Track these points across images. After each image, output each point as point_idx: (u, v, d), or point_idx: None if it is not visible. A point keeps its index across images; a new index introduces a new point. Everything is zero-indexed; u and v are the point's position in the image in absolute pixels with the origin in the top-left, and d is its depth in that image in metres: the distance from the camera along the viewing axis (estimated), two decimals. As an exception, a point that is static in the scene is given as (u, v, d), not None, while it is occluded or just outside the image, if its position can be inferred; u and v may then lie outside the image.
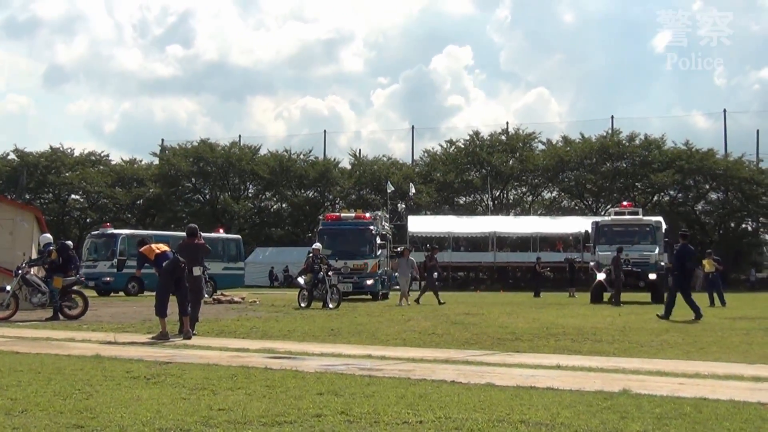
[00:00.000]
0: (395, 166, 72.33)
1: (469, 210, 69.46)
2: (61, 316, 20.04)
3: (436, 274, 29.91)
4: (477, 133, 72.54)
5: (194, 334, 14.92)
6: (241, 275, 45.81)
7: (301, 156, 73.80)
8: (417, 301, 28.60)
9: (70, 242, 22.53)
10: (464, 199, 72.80)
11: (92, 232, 43.42)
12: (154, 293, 15.52)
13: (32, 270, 21.07)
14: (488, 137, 72.21)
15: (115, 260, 38.06)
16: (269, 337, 15.07)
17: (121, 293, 38.05)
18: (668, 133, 69.28)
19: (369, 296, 33.11)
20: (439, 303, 27.76)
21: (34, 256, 22.96)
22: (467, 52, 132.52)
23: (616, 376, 9.52)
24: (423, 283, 31.48)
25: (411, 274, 29.25)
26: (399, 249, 34.33)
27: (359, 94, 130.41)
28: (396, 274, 32.48)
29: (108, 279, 37.91)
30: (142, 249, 15.97)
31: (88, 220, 72.21)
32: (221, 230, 45.94)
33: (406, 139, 79.62)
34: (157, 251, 15.62)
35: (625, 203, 39.69)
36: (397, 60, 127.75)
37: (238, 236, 48.22)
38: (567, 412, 7.14)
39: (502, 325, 17.72)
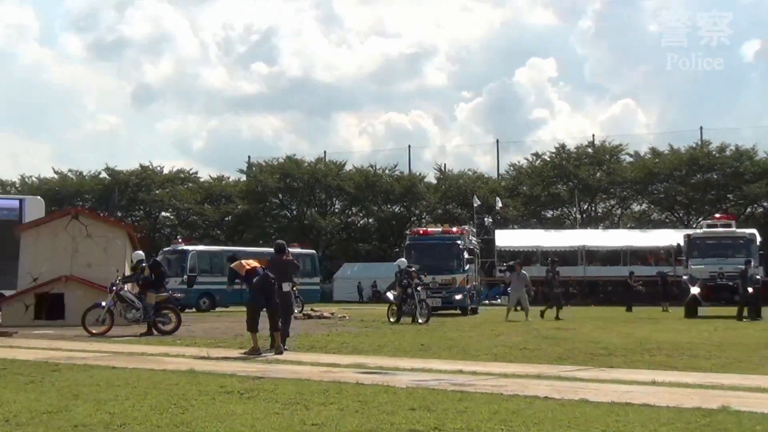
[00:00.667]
0: (481, 180, 71.93)
1: (557, 223, 68.60)
2: (155, 332, 20.46)
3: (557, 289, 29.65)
4: (563, 146, 71.79)
5: (285, 349, 15.03)
6: (317, 290, 45.99)
7: (387, 171, 74.04)
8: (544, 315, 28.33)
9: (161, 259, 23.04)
10: (552, 212, 71.97)
11: (164, 249, 43.90)
12: (225, 308, 15.67)
13: (126, 286, 21.56)
14: (574, 150, 71.41)
15: (185, 276, 38.46)
16: (360, 352, 15.12)
17: (193, 309, 38.36)
18: (759, 143, 67.34)
19: (458, 311, 32.98)
20: (541, 315, 27.68)
21: (128, 272, 23.51)
22: (551, 65, 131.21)
23: (714, 393, 9.28)
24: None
25: (525, 289, 29.04)
26: (511, 263, 34.25)
27: (443, 108, 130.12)
28: (509, 288, 32.36)
29: (179, 295, 37.86)
30: (232, 265, 16.19)
31: (178, 237, 73.46)
32: (296, 245, 46.32)
33: (491, 153, 79.46)
34: (248, 267, 15.82)
35: (718, 215, 38.71)
36: (480, 73, 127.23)
37: (313, 251, 48.58)
38: (665, 429, 6.99)
39: (595, 340, 17.49)
